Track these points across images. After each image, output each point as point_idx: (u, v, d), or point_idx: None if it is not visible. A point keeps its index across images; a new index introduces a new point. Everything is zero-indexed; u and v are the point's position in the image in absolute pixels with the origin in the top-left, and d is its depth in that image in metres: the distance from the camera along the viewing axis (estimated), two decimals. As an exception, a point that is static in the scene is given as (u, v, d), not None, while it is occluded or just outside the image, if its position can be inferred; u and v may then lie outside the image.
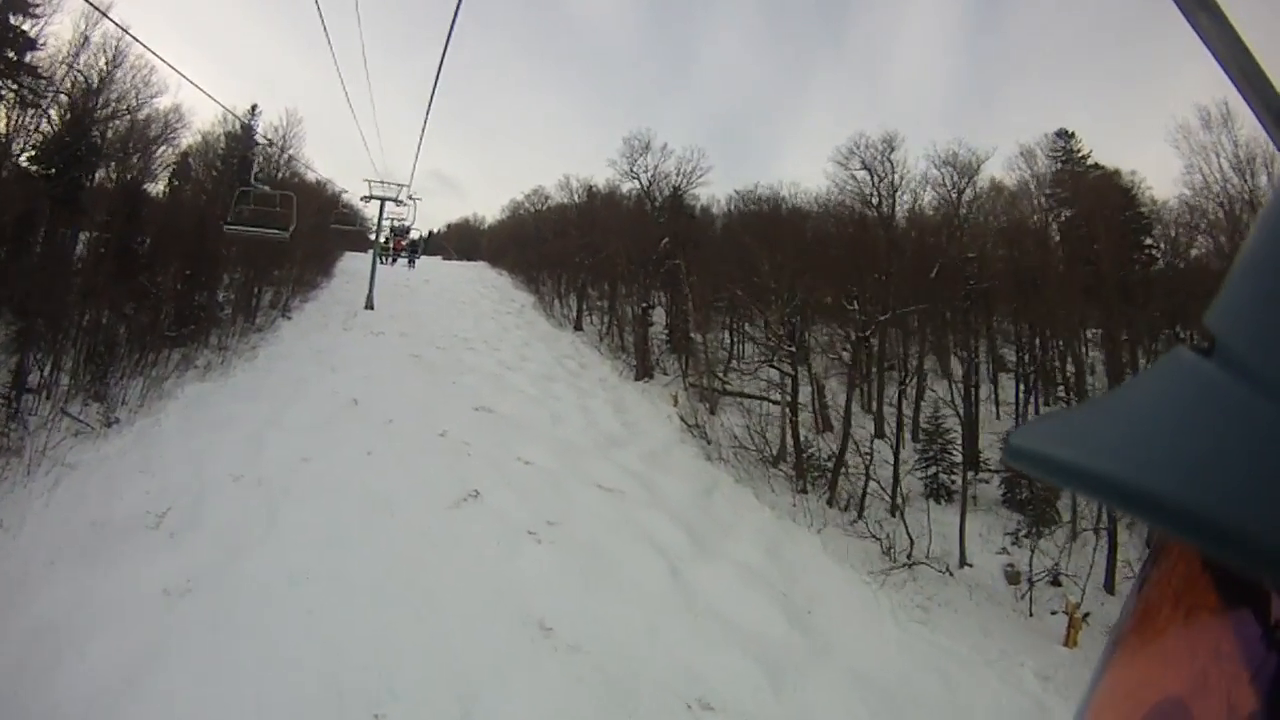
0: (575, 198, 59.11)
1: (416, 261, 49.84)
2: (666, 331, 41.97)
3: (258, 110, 44.20)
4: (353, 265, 57.92)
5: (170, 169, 36.85)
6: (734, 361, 38.08)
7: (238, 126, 42.97)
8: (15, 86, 27.33)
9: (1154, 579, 0.52)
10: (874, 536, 24.62)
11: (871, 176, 38.36)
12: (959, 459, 27.94)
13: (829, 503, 27.22)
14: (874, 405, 33.17)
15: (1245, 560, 0.34)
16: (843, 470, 28.08)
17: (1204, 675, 0.42)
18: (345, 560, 17.69)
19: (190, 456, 21.56)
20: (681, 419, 32.55)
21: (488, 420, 28.76)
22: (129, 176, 32.41)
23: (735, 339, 39.89)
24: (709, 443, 30.73)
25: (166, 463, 21.14)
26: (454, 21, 9.57)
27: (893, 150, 38.05)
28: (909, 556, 23.75)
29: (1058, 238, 35.83)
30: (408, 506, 20.62)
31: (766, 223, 42.56)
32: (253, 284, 38.45)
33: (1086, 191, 35.59)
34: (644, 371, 39.03)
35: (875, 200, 38.42)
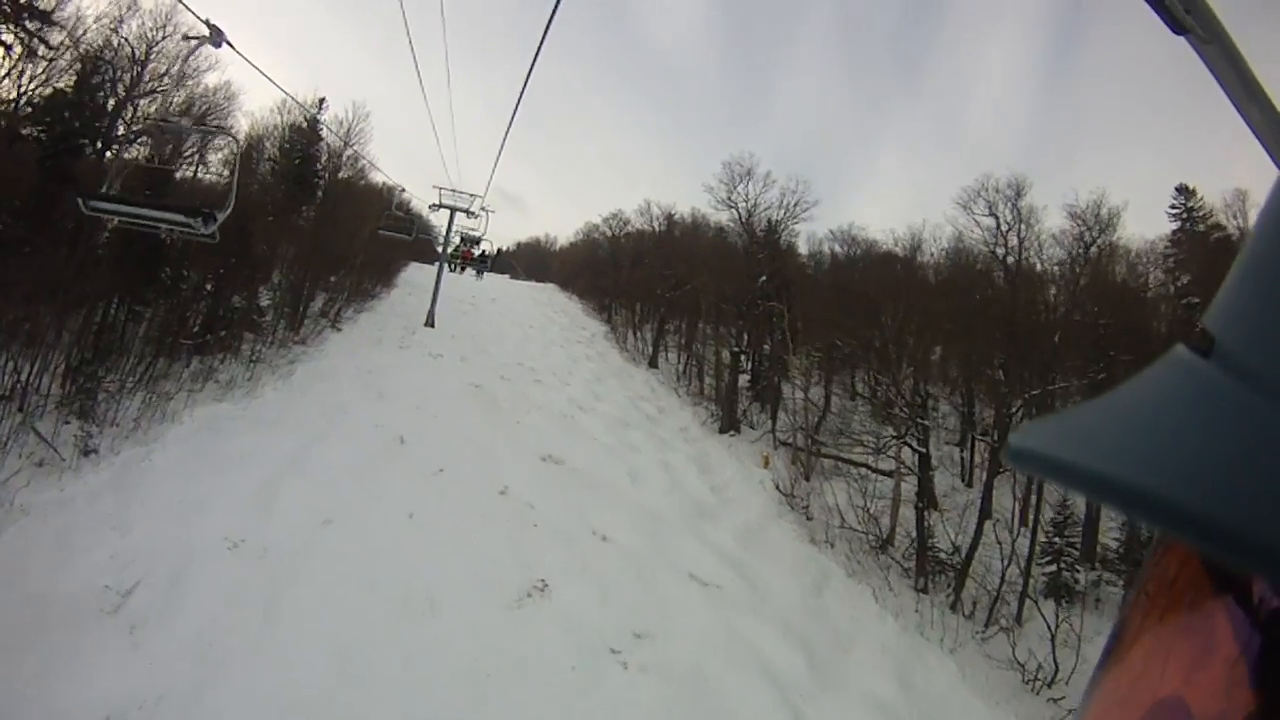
0: (655, 225, 54.98)
1: (484, 274, 46.54)
2: (749, 379, 36.78)
3: (325, 105, 39.87)
4: (417, 277, 53.58)
5: (222, 154, 32.28)
6: (832, 421, 32.60)
7: (303, 120, 38.96)
8: (17, 29, 22.83)
9: (1153, 579, 0.51)
10: (1017, 663, 19.12)
11: (998, 224, 33.58)
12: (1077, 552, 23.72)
13: (952, 607, 21.75)
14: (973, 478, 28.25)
15: (1244, 560, 0.34)
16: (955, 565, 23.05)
17: (1203, 675, 0.42)
18: (366, 689, 12.51)
19: (180, 508, 16.45)
20: (776, 487, 27.17)
21: (556, 475, 23.57)
22: (159, 155, 27.93)
23: (830, 395, 34.49)
24: (809, 519, 25.33)
25: (148, 514, 16.03)
26: (546, 31, 8.39)
27: (1020, 195, 33.80)
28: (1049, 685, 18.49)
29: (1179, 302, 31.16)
30: (455, 603, 15.34)
31: (880, 269, 37.66)
32: (304, 287, 33.76)
33: (1205, 254, 31.34)
34: (730, 423, 33.82)
35: (1002, 252, 33.53)
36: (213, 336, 25.83)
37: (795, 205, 39.39)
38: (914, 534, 23.87)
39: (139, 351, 22.48)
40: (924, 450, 25.51)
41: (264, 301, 31.12)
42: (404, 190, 37.01)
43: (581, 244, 70.66)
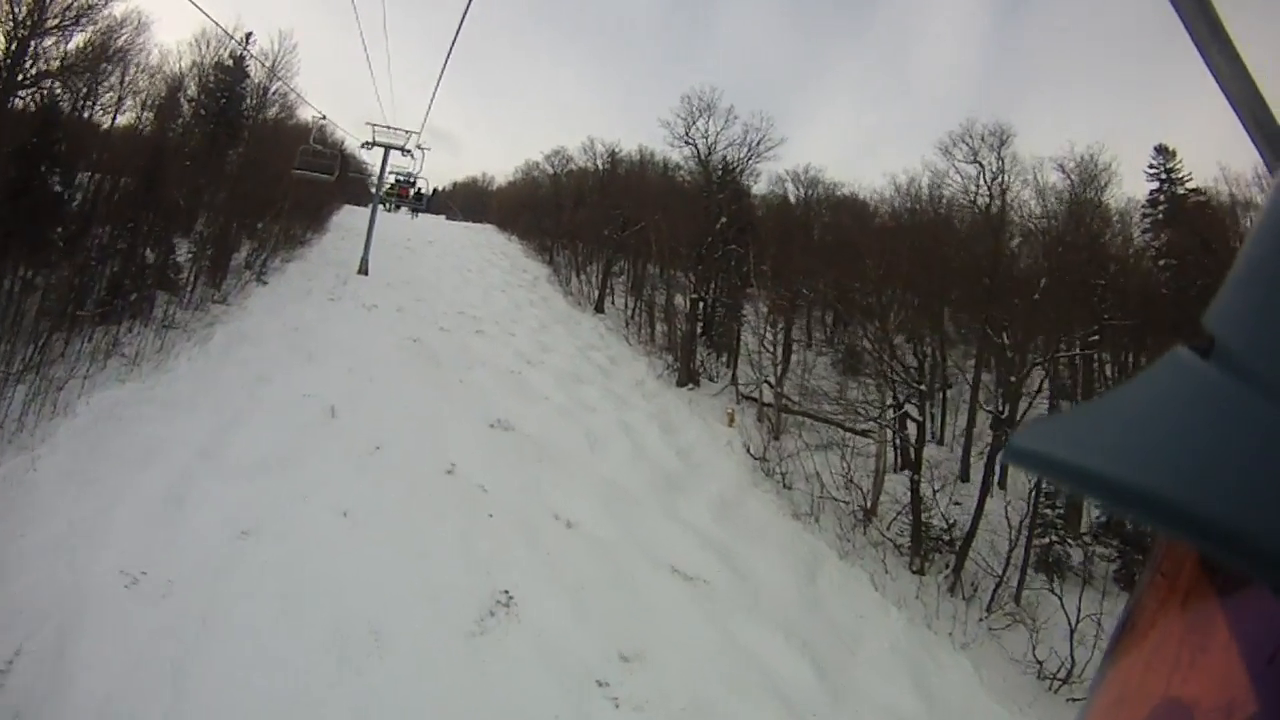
0: (599, 164, 51.29)
1: (420, 214, 43.16)
2: (702, 327, 33.68)
3: (252, 39, 35.15)
4: (350, 220, 49.15)
5: (139, 98, 27.82)
6: (797, 376, 29.65)
7: (228, 56, 34.40)
8: None
9: (1154, 580, 0.51)
10: (1036, 661, 16.56)
11: (981, 171, 30.95)
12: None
13: (951, 590, 19.17)
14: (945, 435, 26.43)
15: (1245, 560, 0.34)
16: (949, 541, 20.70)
17: (1204, 676, 0.41)
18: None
19: (69, 535, 12.75)
20: (748, 450, 24.21)
21: (508, 444, 20.24)
22: (48, 97, 23.66)
23: (791, 345, 31.47)
24: (787, 487, 22.39)
25: (29, 550, 12.25)
26: None
27: (1004, 144, 31.38)
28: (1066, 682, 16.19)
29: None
30: (405, 633, 12.04)
31: (852, 214, 34.80)
32: (227, 237, 29.59)
33: (1185, 217, 29.91)
34: (688, 375, 30.69)
35: (985, 201, 30.98)
36: (120, 301, 21.83)
37: (759, 143, 35.84)
38: (901, 504, 21.26)
39: (32, 330, 18.59)
40: (920, 419, 22.63)
41: (181, 256, 26.96)
42: (324, 118, 32.18)
43: (521, 183, 66.40)
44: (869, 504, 21.61)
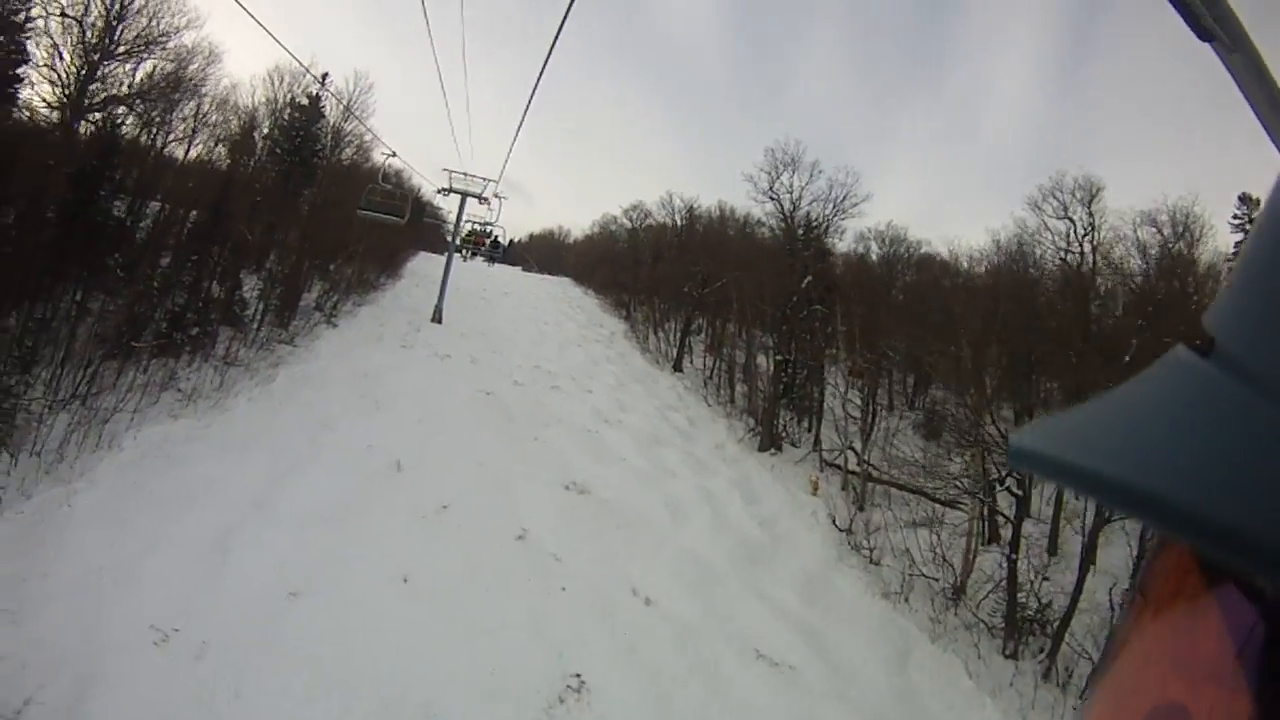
0: (678, 219, 50.94)
1: (497, 262, 42.92)
2: (782, 389, 32.56)
3: (329, 80, 35.50)
4: (425, 267, 49.25)
5: (213, 131, 28.16)
6: (883, 440, 28.31)
7: (303, 94, 34.77)
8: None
9: (1153, 580, 0.51)
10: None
11: (1072, 228, 29.70)
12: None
13: (1045, 675, 17.53)
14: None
15: (1245, 560, 0.34)
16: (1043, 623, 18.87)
17: (1203, 678, 0.42)
18: None
19: (100, 577, 11.75)
20: (833, 521, 22.98)
21: (583, 509, 19.19)
22: (109, 122, 23.72)
23: (876, 411, 30.12)
24: (874, 563, 21.13)
25: (54, 590, 11.28)
26: (565, 18, 8.01)
27: (1093, 198, 29.85)
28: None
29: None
30: (463, 718, 10.92)
31: (941, 273, 33.58)
32: (297, 276, 29.43)
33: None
34: (770, 440, 29.53)
35: (1075, 259, 29.54)
36: (180, 334, 21.47)
37: (843, 199, 34.74)
38: (994, 581, 19.74)
39: (83, 357, 17.96)
40: (1021, 493, 21.16)
41: (248, 292, 26.79)
42: (392, 154, 31.68)
43: (598, 237, 66.31)
44: (959, 581, 20.21)
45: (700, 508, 21.65)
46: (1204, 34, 1.34)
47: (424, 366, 28.13)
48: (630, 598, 15.59)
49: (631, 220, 56.81)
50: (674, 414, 31.37)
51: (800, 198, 34.99)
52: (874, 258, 38.80)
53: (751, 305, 34.80)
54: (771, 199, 35.69)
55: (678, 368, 40.00)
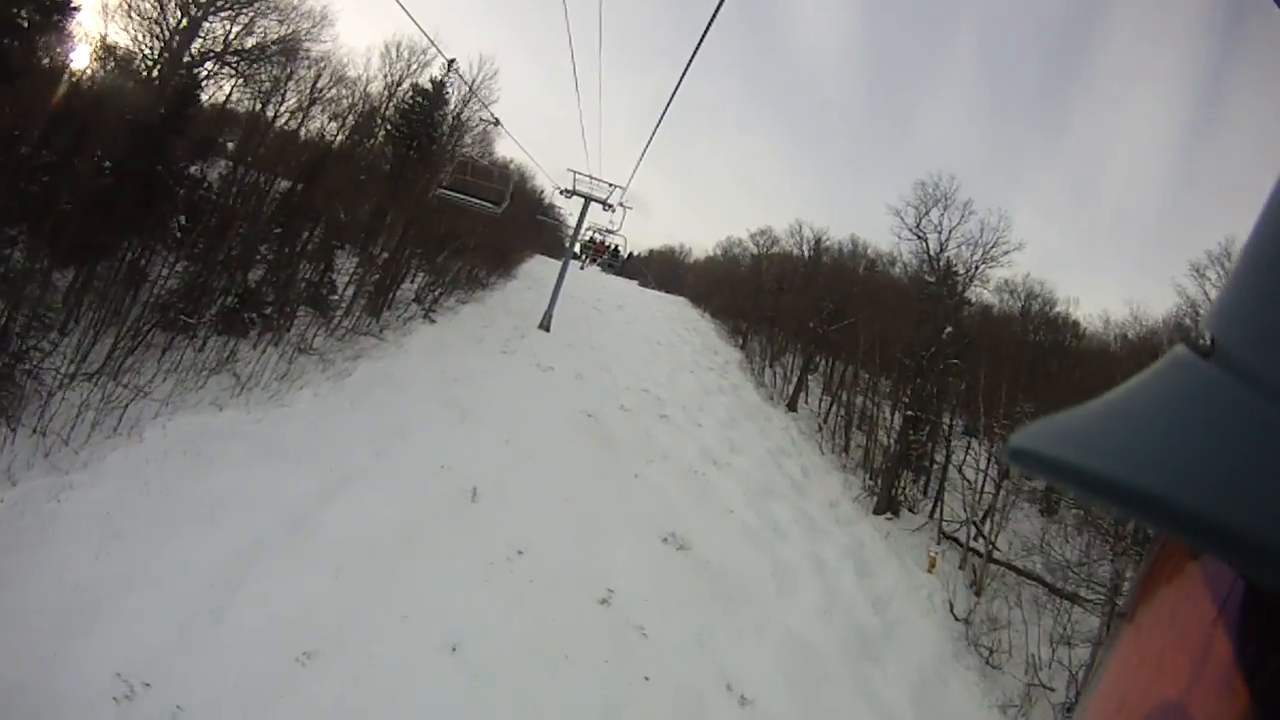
0: (805, 249, 48.40)
1: (615, 273, 41.10)
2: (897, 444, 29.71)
3: (455, 65, 34.00)
4: (540, 270, 47.53)
5: (329, 106, 26.86)
6: (1005, 517, 25.23)
7: (424, 76, 33.41)
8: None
9: (1153, 580, 0.50)
10: None
11: None
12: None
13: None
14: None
15: (1245, 561, 0.34)
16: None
17: (1202, 678, 0.41)
18: None
19: (65, 600, 9.39)
20: (951, 610, 20.28)
21: (681, 569, 16.78)
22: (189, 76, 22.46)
23: (1001, 486, 26.97)
24: (993, 666, 18.30)
25: (14, 610, 9.00)
26: (711, 23, 7.68)
27: None
28: None
29: None
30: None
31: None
32: (400, 262, 27.84)
33: None
34: (888, 503, 26.66)
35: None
36: (250, 314, 19.84)
37: (993, 245, 31.47)
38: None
39: (128, 325, 16.13)
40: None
41: (341, 275, 25.20)
42: (496, 122, 29.27)
43: (721, 259, 64.01)
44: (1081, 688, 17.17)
45: (810, 579, 19.15)
46: None
47: (523, 377, 26.16)
48: (723, 695, 13.09)
49: (758, 245, 54.38)
50: (787, 460, 28.74)
51: (948, 239, 31.82)
52: (1011, 312, 35.40)
53: (880, 349, 31.91)
54: (918, 237, 32.60)
55: (792, 407, 37.31)
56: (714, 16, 7.21)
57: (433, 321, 28.72)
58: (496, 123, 30.62)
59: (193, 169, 20.21)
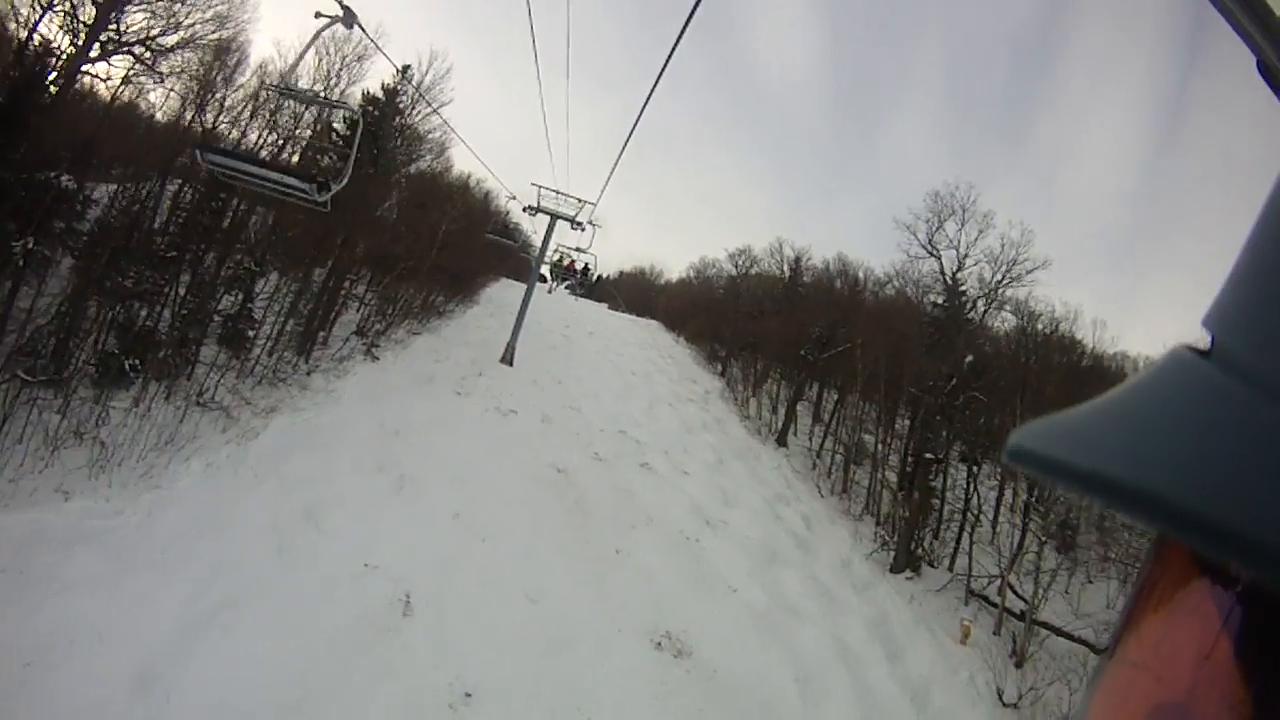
0: (787, 268, 44.97)
1: (582, 298, 37.49)
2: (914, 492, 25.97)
3: (410, 72, 30.04)
4: (505, 295, 43.28)
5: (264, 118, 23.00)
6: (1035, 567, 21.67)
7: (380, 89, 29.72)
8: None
9: (1152, 580, 0.49)
10: None
11: None
12: None
13: None
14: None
15: (1244, 560, 0.34)
16: None
17: (1202, 678, 0.41)
18: None
19: None
20: (999, 696, 16.91)
21: (681, 688, 12.61)
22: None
23: (1027, 531, 23.26)
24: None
25: None
26: (676, 44, 7.54)
27: None
28: None
29: None
30: None
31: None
32: (340, 289, 23.63)
33: None
34: (907, 560, 22.79)
35: None
36: (129, 359, 15.57)
37: (1014, 262, 27.62)
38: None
39: None
40: None
41: (270, 307, 20.97)
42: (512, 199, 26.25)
43: (695, 283, 60.17)
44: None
45: (838, 677, 15.32)
46: None
47: (480, 425, 21.83)
48: None
49: (736, 266, 50.56)
50: (785, 509, 24.73)
51: (966, 255, 27.98)
52: (1016, 333, 31.64)
53: (885, 378, 28.10)
54: (931, 253, 28.69)
55: (782, 441, 33.35)
56: (680, 37, 7.07)
57: (375, 359, 24.43)
58: (445, 123, 26.97)
59: (66, 179, 15.89)
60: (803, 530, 23.35)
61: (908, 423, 28.72)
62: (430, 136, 31.94)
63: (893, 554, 23.16)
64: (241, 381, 18.37)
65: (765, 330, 40.71)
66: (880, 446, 27.68)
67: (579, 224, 30.69)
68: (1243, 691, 0.37)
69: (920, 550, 23.48)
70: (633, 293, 78.18)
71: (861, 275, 39.11)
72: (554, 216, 30.71)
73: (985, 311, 27.17)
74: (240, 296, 19.94)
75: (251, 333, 19.97)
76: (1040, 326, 29.14)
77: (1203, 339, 0.47)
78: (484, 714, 10.11)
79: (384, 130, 29.84)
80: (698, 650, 13.79)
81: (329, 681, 9.72)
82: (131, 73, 21.54)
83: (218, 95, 23.05)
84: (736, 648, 14.39)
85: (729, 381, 42.70)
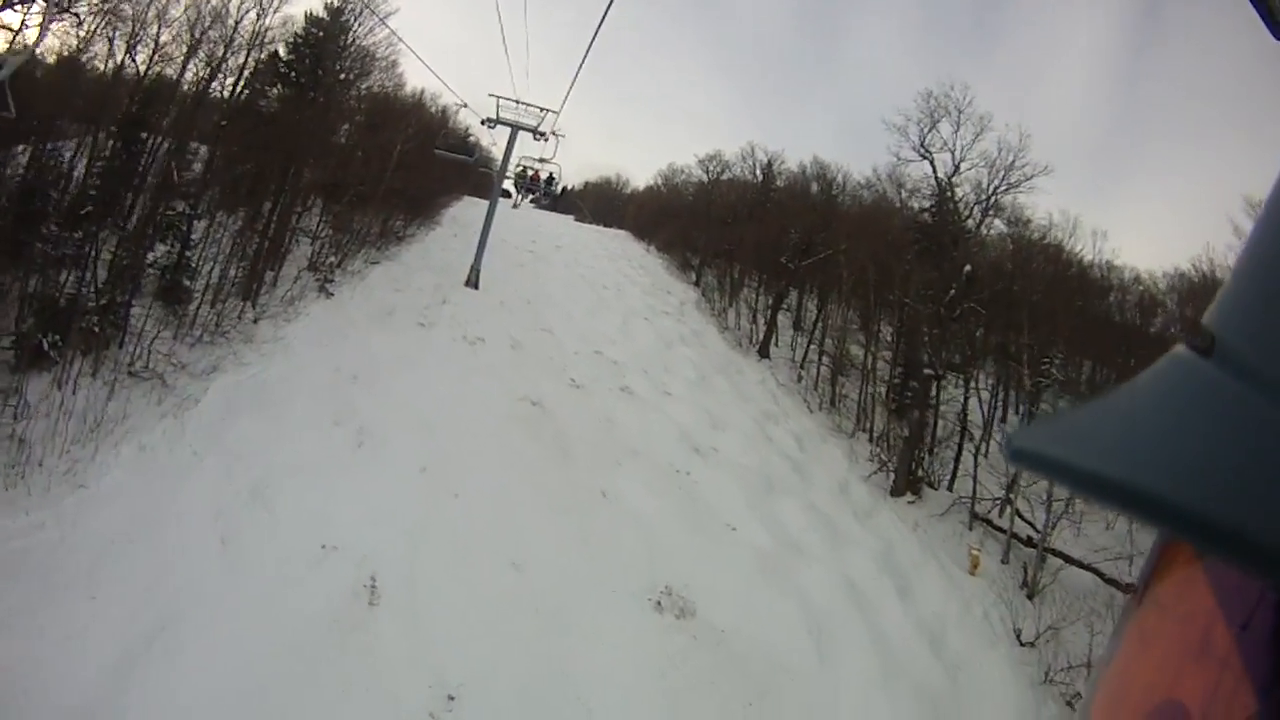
0: (758, 173, 42.63)
1: (547, 210, 35.41)
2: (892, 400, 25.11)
3: None
4: (469, 214, 40.54)
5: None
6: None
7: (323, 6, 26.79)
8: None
9: (1154, 580, 0.49)
10: None
11: None
12: None
13: None
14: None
15: (1245, 560, 0.34)
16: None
17: (1203, 677, 0.41)
18: None
19: None
20: (1017, 636, 15.58)
21: (687, 655, 11.00)
22: None
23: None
24: (1073, 705, 13.79)
25: None
26: None
27: None
28: None
29: None
30: None
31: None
32: (289, 225, 21.18)
33: None
34: (907, 483, 21.29)
35: None
36: (59, 336, 13.33)
37: (1010, 166, 25.41)
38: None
39: None
40: None
41: (205, 253, 18.43)
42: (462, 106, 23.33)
43: (664, 191, 57.34)
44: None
45: (849, 621, 14.08)
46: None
47: (446, 358, 19.74)
48: None
49: (708, 171, 47.87)
50: (775, 428, 23.09)
51: (963, 159, 25.75)
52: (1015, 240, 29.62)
53: (874, 287, 26.25)
54: (924, 156, 26.43)
55: (764, 353, 31.59)
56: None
57: (330, 295, 21.96)
58: (394, 33, 24.31)
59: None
60: (796, 452, 21.74)
61: (894, 332, 27.12)
62: (378, 54, 28.87)
63: (892, 476, 21.67)
64: (180, 341, 16.06)
65: (740, 237, 38.60)
66: (869, 357, 26.02)
67: (541, 134, 28.12)
68: (1244, 690, 0.37)
69: (920, 471, 21.99)
70: (599, 203, 75.35)
71: (840, 179, 36.79)
72: (515, 128, 28.10)
73: (981, 221, 25.02)
74: (177, 246, 17.50)
75: (189, 282, 17.61)
76: (1037, 235, 27.20)
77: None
78: (473, 713, 8.33)
79: (328, 50, 26.92)
80: (701, 608, 12.15)
81: (288, 702, 7.89)
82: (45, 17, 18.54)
83: (151, 31, 20.40)
84: (743, 601, 12.78)
85: (704, 291, 40.73)
